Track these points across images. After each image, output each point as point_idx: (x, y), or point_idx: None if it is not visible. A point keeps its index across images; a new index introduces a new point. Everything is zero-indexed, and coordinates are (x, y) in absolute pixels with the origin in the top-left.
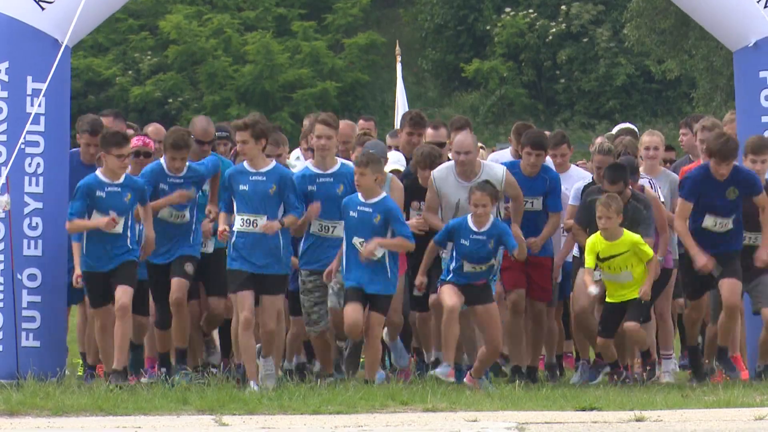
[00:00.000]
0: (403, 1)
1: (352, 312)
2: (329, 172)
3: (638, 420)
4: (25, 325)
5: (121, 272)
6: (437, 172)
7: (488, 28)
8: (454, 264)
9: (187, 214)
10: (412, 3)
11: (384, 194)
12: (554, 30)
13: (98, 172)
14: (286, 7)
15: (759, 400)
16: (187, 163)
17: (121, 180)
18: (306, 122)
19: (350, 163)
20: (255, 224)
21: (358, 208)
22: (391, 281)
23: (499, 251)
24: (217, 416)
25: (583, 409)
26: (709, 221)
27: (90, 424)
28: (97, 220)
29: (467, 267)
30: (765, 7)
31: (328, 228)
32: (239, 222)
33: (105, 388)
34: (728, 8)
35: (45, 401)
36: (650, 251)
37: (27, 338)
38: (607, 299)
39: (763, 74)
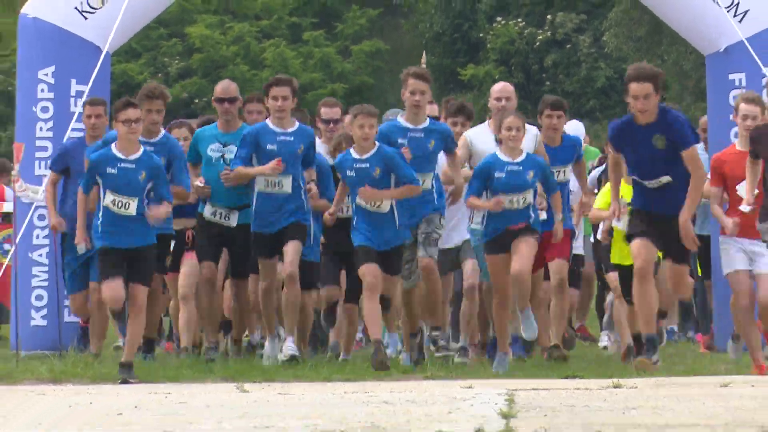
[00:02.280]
0: (405, 11)
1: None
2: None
3: (615, 387)
4: (67, 303)
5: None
6: (471, 132)
7: (482, 35)
8: (486, 218)
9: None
10: (412, 12)
11: (377, 145)
12: (541, 37)
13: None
14: (299, 17)
15: (724, 369)
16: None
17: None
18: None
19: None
20: (281, 185)
21: (355, 165)
22: (401, 233)
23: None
24: (239, 384)
25: (567, 377)
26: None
27: (124, 390)
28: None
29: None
30: (734, 16)
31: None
32: (262, 183)
33: (138, 360)
34: (701, 17)
35: (84, 370)
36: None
37: (69, 315)
38: (622, 263)
39: (732, 76)
